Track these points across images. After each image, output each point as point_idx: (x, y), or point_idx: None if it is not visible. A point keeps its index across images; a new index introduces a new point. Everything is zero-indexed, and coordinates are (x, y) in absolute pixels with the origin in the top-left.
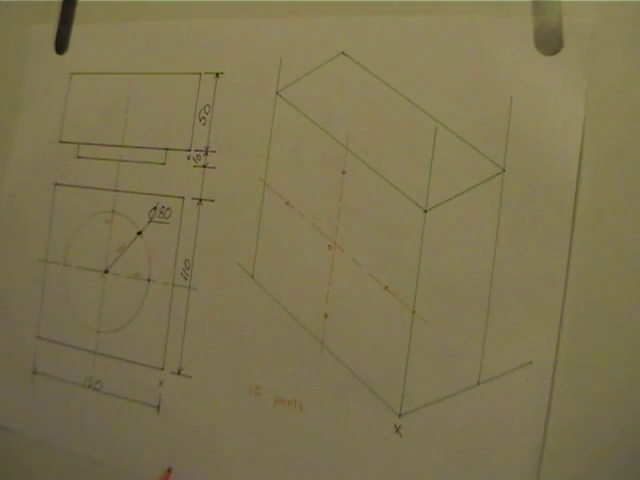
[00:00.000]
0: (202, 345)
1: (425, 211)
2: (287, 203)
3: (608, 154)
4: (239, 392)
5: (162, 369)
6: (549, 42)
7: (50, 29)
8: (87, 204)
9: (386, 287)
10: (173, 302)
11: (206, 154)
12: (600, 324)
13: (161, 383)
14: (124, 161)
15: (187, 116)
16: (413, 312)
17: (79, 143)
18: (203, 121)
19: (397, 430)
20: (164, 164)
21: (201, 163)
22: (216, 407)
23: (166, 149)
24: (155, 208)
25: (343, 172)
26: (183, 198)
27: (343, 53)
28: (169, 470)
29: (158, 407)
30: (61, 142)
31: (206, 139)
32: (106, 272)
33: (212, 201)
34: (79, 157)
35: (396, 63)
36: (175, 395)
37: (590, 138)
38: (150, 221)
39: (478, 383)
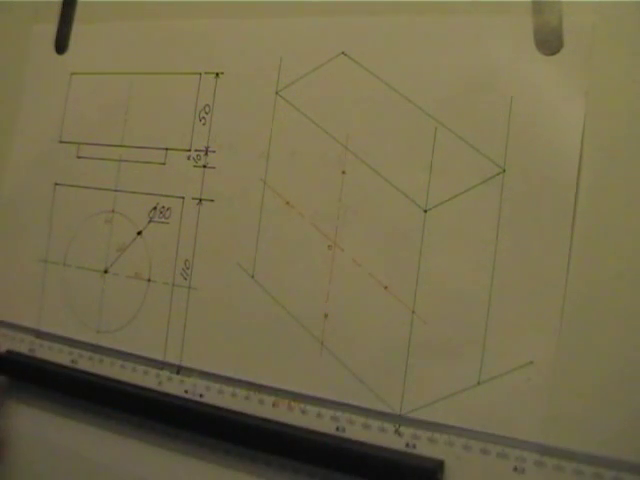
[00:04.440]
0: (202, 345)
1: (425, 211)
2: (287, 203)
3: (608, 154)
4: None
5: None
6: (549, 42)
7: (50, 29)
8: (87, 204)
9: (386, 287)
10: (173, 302)
11: (206, 154)
12: (600, 324)
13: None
14: (124, 161)
15: (187, 116)
16: (413, 312)
17: (79, 143)
18: (203, 121)
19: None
20: (164, 164)
21: (201, 163)
22: None
23: (166, 149)
24: (155, 208)
25: (343, 172)
26: (183, 198)
27: (343, 53)
28: None
29: None
30: (61, 142)
31: (206, 139)
32: (106, 272)
33: (212, 201)
34: (79, 157)
35: (396, 63)
36: None
37: (590, 138)
38: (150, 221)
39: (478, 383)
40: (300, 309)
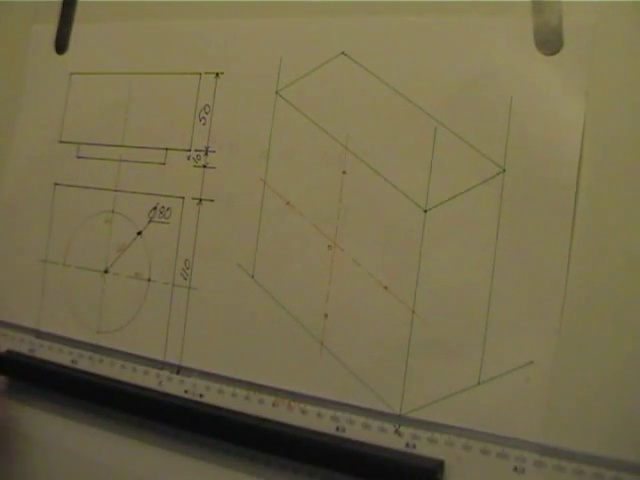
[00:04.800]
0: (202, 345)
1: (425, 211)
2: (287, 203)
3: (608, 154)
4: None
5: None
6: (549, 42)
7: (50, 29)
8: (87, 204)
9: (386, 287)
10: (173, 302)
11: (206, 154)
12: (600, 323)
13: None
14: (124, 161)
15: (187, 116)
16: (413, 312)
17: (79, 143)
18: (203, 121)
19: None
20: (164, 164)
21: (201, 163)
22: None
23: (166, 149)
24: (155, 208)
25: (343, 172)
26: (183, 198)
27: (343, 53)
28: None
29: None
30: (61, 142)
31: (206, 139)
32: (106, 272)
33: (212, 201)
34: (79, 157)
35: (396, 63)
36: None
37: (590, 138)
38: (150, 221)
39: (478, 383)
40: (300, 309)
